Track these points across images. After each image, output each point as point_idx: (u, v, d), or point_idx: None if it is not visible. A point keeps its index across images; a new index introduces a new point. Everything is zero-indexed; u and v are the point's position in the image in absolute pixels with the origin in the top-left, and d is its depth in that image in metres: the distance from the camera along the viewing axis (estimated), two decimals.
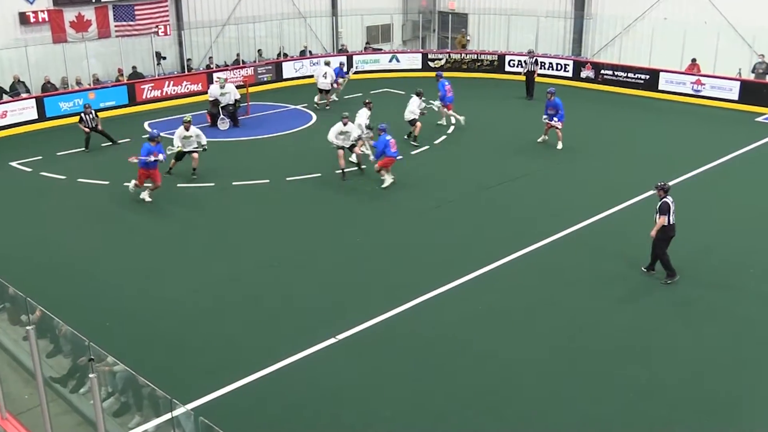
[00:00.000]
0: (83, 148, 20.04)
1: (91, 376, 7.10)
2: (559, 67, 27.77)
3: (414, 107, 20.01)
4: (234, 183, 17.31)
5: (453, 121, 21.80)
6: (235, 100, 22.10)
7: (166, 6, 26.48)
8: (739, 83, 24.05)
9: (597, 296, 12.07)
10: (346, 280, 12.76)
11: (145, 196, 16.13)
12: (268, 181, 17.26)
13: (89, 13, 24.81)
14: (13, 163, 19.03)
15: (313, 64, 28.52)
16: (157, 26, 26.10)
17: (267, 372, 9.95)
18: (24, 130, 22.15)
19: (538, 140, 19.99)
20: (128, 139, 21.12)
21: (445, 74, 28.69)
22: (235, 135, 20.83)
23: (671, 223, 12.14)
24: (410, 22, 33.25)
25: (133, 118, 23.56)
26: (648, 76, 25.80)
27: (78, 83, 24.39)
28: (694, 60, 25.18)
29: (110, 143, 20.51)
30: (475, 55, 29.54)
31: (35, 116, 22.52)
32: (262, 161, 19.18)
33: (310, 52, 30.03)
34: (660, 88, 25.53)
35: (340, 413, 9.25)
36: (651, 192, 16.28)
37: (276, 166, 18.46)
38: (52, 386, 9.14)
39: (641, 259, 13.10)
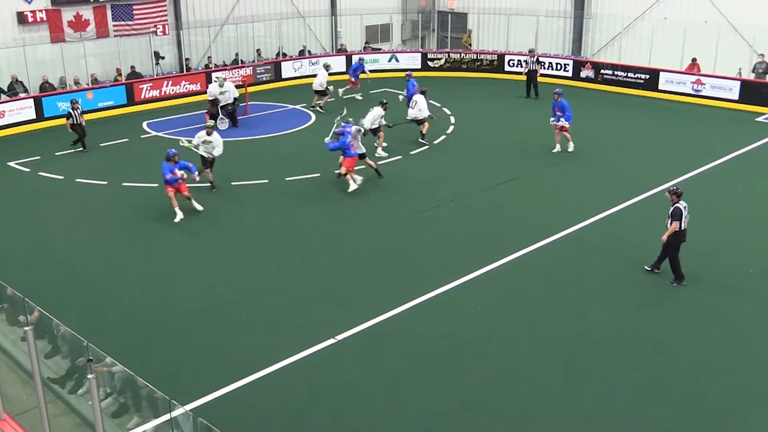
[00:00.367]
0: (81, 149, 19.96)
1: (89, 376, 7.07)
2: (558, 66, 27.74)
3: (423, 106, 19.99)
4: (233, 183, 17.27)
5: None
6: (234, 98, 22.05)
7: (165, 6, 26.43)
8: (739, 83, 24.02)
9: (597, 296, 12.03)
10: (346, 280, 12.72)
11: (179, 214, 15.30)
12: (267, 181, 17.22)
13: (87, 12, 24.76)
14: (12, 163, 18.98)
15: (312, 64, 28.52)
16: (155, 26, 26.06)
17: (266, 372, 9.92)
18: (22, 130, 22.10)
19: (553, 151, 19.23)
20: (126, 139, 21.10)
21: (445, 74, 28.80)
22: (234, 135, 20.78)
23: (683, 228, 11.98)
24: (409, 21, 33.23)
25: (132, 118, 23.52)
26: (648, 76, 25.77)
27: (76, 83, 24.33)
28: (694, 60, 25.15)
29: (80, 147, 19.93)
30: (475, 55, 29.51)
31: (33, 116, 22.47)
32: (261, 161, 19.15)
33: (309, 51, 29.99)
34: (660, 87, 25.50)
35: (340, 413, 9.21)
36: (651, 192, 16.39)
37: (275, 166, 18.42)
38: (51, 387, 9.11)
39: (642, 259, 13.07)
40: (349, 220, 15.33)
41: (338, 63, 28.93)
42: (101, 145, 20.48)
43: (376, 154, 19.05)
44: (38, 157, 19.37)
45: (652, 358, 10.33)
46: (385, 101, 19.22)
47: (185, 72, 26.46)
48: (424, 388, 9.67)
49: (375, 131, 18.97)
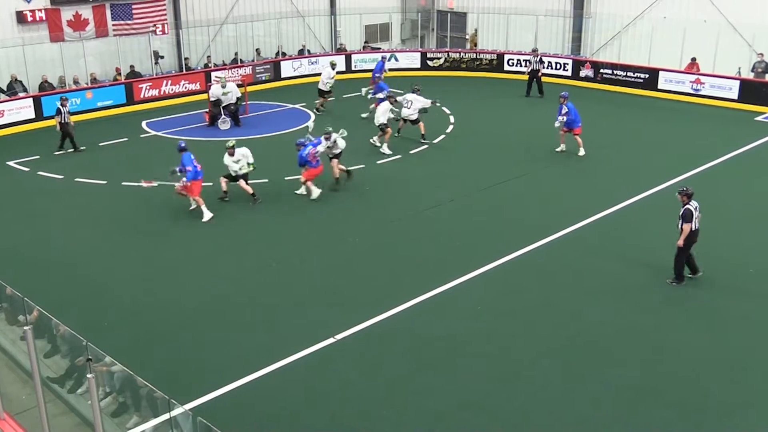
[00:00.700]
0: (71, 150, 19.83)
1: (89, 376, 7.06)
2: (558, 66, 27.74)
3: (420, 103, 20.03)
4: (233, 183, 17.23)
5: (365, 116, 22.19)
6: (237, 98, 22.05)
7: (164, 5, 26.43)
8: (738, 82, 24.03)
9: (595, 297, 12.03)
10: (345, 280, 12.72)
11: (206, 213, 15.25)
12: (266, 180, 17.20)
13: (87, 12, 24.76)
14: (11, 163, 18.97)
15: (312, 63, 28.51)
16: (154, 25, 26.06)
17: (266, 372, 9.91)
18: (21, 129, 22.08)
19: (557, 150, 19.18)
20: (126, 139, 21.09)
21: (445, 73, 28.78)
22: (233, 135, 20.75)
23: (694, 229, 11.88)
24: (409, 20, 33.22)
25: (131, 117, 23.51)
26: (647, 75, 25.78)
27: (75, 82, 24.33)
28: (693, 59, 25.15)
29: (71, 149, 19.80)
30: (475, 54, 29.50)
31: (32, 115, 22.44)
32: (260, 161, 19.06)
33: (308, 51, 29.98)
34: (659, 87, 25.51)
35: (339, 413, 9.21)
36: (650, 192, 16.41)
37: (275, 165, 18.38)
38: (50, 386, 9.11)
39: (640, 259, 13.09)
40: (348, 220, 15.32)
41: (337, 63, 28.92)
42: (100, 144, 20.47)
43: (381, 151, 19.07)
44: (37, 157, 19.36)
45: (650, 358, 10.32)
46: (392, 96, 19.29)
47: (184, 71, 26.45)
48: (422, 388, 9.66)
49: (383, 128, 19.08)
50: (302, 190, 16.43)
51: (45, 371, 9.08)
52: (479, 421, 9.04)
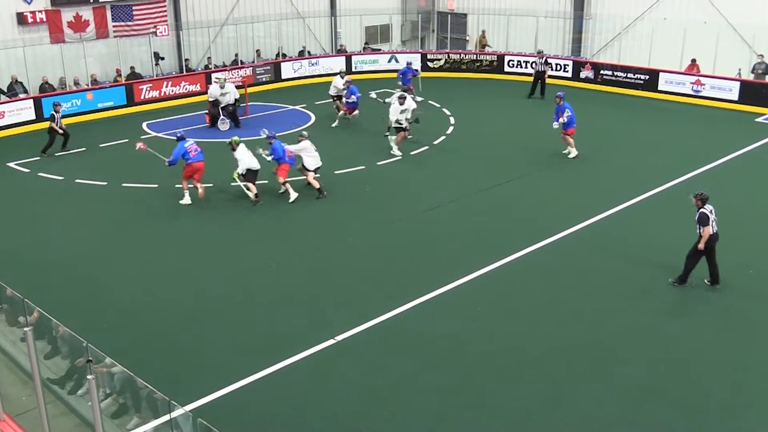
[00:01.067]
0: (64, 151, 19.78)
1: (89, 377, 7.05)
2: (558, 67, 27.73)
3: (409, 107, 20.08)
4: (233, 184, 17.24)
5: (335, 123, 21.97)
6: (235, 99, 22.05)
7: (164, 6, 26.44)
8: (738, 83, 24.02)
9: (597, 297, 12.02)
10: (345, 281, 12.71)
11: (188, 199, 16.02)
12: (266, 181, 17.18)
13: (87, 13, 24.76)
14: (11, 164, 18.97)
15: (312, 65, 28.52)
16: (155, 26, 26.06)
17: (266, 373, 9.91)
18: (22, 130, 22.08)
19: (565, 152, 19.01)
20: (126, 140, 21.08)
21: (445, 75, 28.78)
22: (233, 135, 20.73)
23: (712, 232, 11.75)
24: (409, 22, 33.23)
25: (132, 118, 23.52)
26: (647, 77, 25.77)
27: (76, 84, 24.34)
28: (693, 60, 25.16)
29: (62, 151, 19.78)
30: (475, 56, 29.51)
31: (33, 117, 22.44)
32: (260, 161, 19.11)
33: (308, 52, 30.00)
34: (660, 88, 25.50)
35: (340, 414, 9.20)
36: (651, 192, 16.42)
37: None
38: (50, 388, 9.10)
39: (643, 259, 13.09)
40: (348, 221, 15.32)
41: (338, 64, 28.99)
42: (101, 145, 20.47)
43: (391, 152, 19.08)
44: (38, 158, 19.35)
45: (652, 357, 10.31)
46: (401, 96, 19.29)
47: (185, 72, 26.45)
48: (424, 388, 9.65)
49: (398, 129, 19.14)
50: (290, 192, 16.33)
51: (45, 372, 9.07)
52: (481, 421, 9.03)
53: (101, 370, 8.43)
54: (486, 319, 11.39)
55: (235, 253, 13.77)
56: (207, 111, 22.36)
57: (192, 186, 16.17)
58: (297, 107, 24.55)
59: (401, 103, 19.00)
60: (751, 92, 23.75)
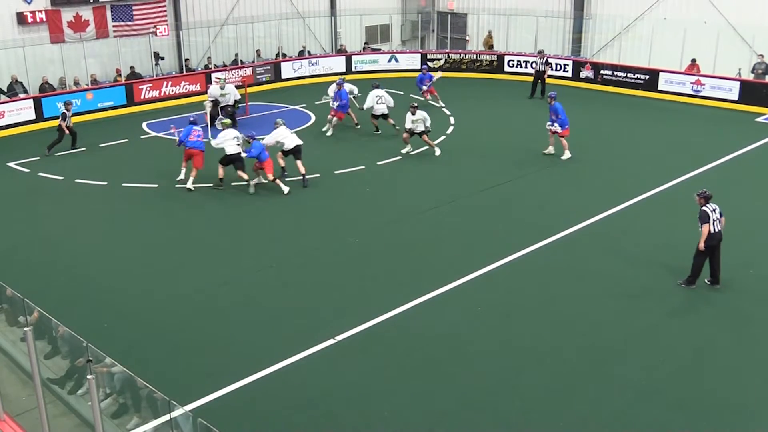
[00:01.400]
0: (74, 149, 19.93)
1: (89, 377, 7.06)
2: (558, 67, 27.72)
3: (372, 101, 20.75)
4: (233, 184, 17.26)
5: (329, 131, 21.36)
6: (235, 100, 22.05)
7: (164, 6, 26.43)
8: (738, 83, 24.01)
9: (597, 297, 12.03)
10: (345, 281, 12.71)
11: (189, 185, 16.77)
12: (266, 181, 17.18)
13: (87, 13, 24.76)
14: (11, 164, 18.96)
15: (312, 65, 28.50)
16: (155, 26, 26.06)
17: (266, 373, 9.91)
18: (22, 130, 22.08)
19: (544, 151, 19.03)
20: (126, 140, 21.10)
21: (445, 74, 28.74)
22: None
23: (713, 231, 11.71)
24: (409, 22, 33.23)
25: (132, 118, 23.51)
26: (647, 77, 25.76)
27: (76, 83, 24.34)
28: (693, 60, 25.16)
29: (51, 147, 19.81)
30: (475, 56, 29.52)
31: (33, 117, 22.44)
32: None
33: (308, 52, 30.00)
34: (659, 88, 25.49)
35: (340, 414, 9.20)
36: (651, 192, 16.42)
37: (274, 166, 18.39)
38: (50, 388, 9.09)
39: (643, 259, 13.09)
40: (348, 220, 15.32)
41: (338, 63, 29.00)
42: (101, 145, 20.46)
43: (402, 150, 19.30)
44: (38, 158, 19.35)
45: (652, 357, 10.32)
46: (413, 105, 19.08)
47: (185, 72, 26.45)
48: (423, 388, 9.66)
49: (420, 133, 19.10)
50: (284, 187, 16.53)
51: (45, 372, 9.07)
52: (480, 421, 9.04)
53: (101, 370, 8.43)
54: (486, 319, 11.39)
55: (235, 253, 13.77)
56: (206, 111, 22.31)
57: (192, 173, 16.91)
58: (297, 107, 24.55)
59: (413, 113, 18.87)
60: (751, 92, 23.73)
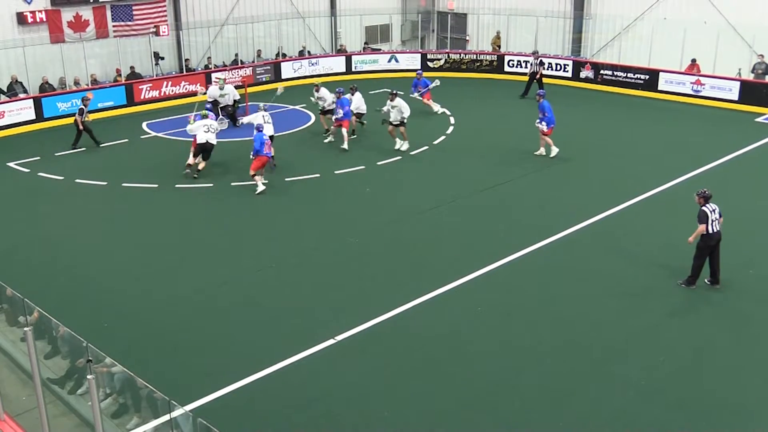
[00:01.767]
0: (94, 144, 20.20)
1: (89, 377, 7.06)
2: (558, 67, 27.73)
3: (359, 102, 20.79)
4: (232, 183, 17.27)
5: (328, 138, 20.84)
6: (234, 100, 22.06)
7: (164, 6, 26.43)
8: (738, 83, 24.01)
9: (596, 296, 12.03)
10: (345, 281, 12.71)
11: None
12: (266, 181, 17.19)
13: (87, 13, 24.76)
14: (11, 164, 18.96)
15: (312, 64, 28.50)
16: (155, 26, 26.05)
17: (266, 373, 9.91)
18: (22, 130, 22.08)
19: (535, 153, 19.00)
20: (126, 140, 21.10)
21: (445, 75, 28.75)
22: (233, 135, 20.74)
23: (712, 231, 11.71)
24: (409, 22, 33.23)
25: (132, 118, 23.52)
26: (647, 76, 25.77)
27: (76, 83, 24.34)
28: (693, 60, 25.15)
29: (75, 146, 20.16)
30: (475, 56, 29.52)
31: (33, 116, 22.46)
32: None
33: (308, 52, 30.00)
34: (660, 88, 25.50)
35: (340, 414, 9.21)
36: (651, 192, 16.42)
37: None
38: (50, 388, 9.09)
39: (643, 259, 13.10)
40: (348, 220, 15.31)
41: (338, 64, 29.00)
42: (101, 145, 20.45)
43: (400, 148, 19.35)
44: (38, 158, 19.36)
45: (652, 357, 10.32)
46: (393, 91, 19.61)
47: (185, 72, 26.45)
48: (423, 388, 9.66)
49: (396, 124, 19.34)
50: (258, 184, 16.60)
51: (45, 372, 9.07)
52: (480, 421, 9.04)
53: (101, 370, 8.43)
54: (486, 319, 11.39)
55: (234, 253, 13.77)
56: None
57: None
58: (297, 107, 24.54)
59: (391, 100, 19.24)
60: (751, 92, 23.73)
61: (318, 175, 17.67)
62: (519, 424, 8.99)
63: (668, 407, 9.21)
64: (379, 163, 18.74)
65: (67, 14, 24.39)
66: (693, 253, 11.97)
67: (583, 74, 27.29)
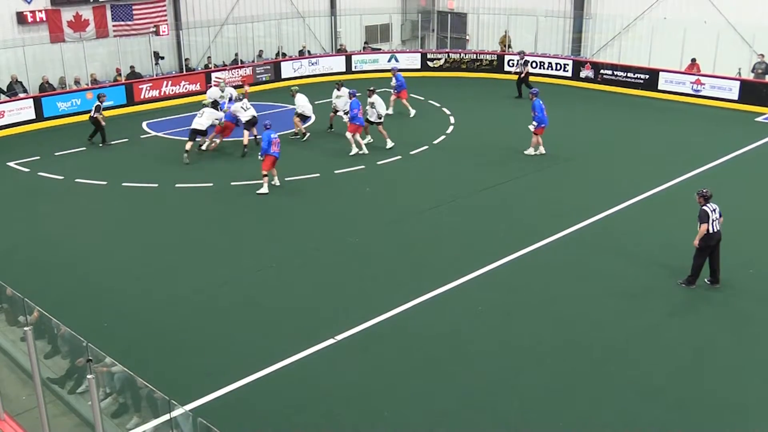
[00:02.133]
0: (101, 143, 20.41)
1: (89, 377, 7.06)
2: (558, 66, 27.74)
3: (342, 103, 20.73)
4: (232, 183, 17.27)
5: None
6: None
7: (164, 6, 26.44)
8: (738, 83, 24.03)
9: (596, 296, 12.02)
10: (345, 281, 12.71)
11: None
12: (278, 184, 17.17)
13: (87, 12, 24.77)
14: (11, 164, 18.97)
15: (312, 64, 28.51)
16: (155, 26, 26.06)
17: (266, 373, 9.91)
18: (22, 130, 22.09)
19: (535, 152, 18.99)
20: (126, 139, 21.10)
21: (445, 74, 28.78)
22: (232, 135, 20.74)
23: (712, 231, 11.69)
24: (409, 21, 33.24)
25: (132, 118, 23.53)
26: (647, 76, 25.78)
27: (76, 83, 24.35)
28: (693, 60, 25.16)
29: (100, 142, 20.52)
30: (474, 55, 29.51)
31: (33, 116, 22.48)
32: (260, 161, 19.12)
33: (308, 52, 30.00)
34: (660, 87, 25.51)
35: (340, 413, 9.20)
36: (651, 192, 16.42)
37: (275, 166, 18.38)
38: (50, 387, 9.10)
39: (643, 259, 13.09)
40: (349, 220, 15.31)
41: (338, 63, 29.00)
42: (101, 145, 20.46)
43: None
44: (38, 158, 19.36)
45: (652, 357, 10.32)
46: (371, 88, 19.91)
47: (185, 72, 26.46)
48: (423, 388, 9.66)
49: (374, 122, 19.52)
50: (264, 188, 16.55)
51: (45, 372, 9.07)
52: (480, 421, 9.03)
53: (101, 369, 8.43)
54: (486, 319, 11.39)
55: (234, 253, 13.77)
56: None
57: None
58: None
59: (369, 96, 19.57)
60: (751, 92, 23.75)
61: (318, 175, 17.68)
62: (519, 424, 8.99)
63: (668, 407, 9.21)
64: (379, 163, 18.74)
65: (67, 14, 24.40)
66: (693, 252, 11.97)
67: (583, 74, 27.30)
